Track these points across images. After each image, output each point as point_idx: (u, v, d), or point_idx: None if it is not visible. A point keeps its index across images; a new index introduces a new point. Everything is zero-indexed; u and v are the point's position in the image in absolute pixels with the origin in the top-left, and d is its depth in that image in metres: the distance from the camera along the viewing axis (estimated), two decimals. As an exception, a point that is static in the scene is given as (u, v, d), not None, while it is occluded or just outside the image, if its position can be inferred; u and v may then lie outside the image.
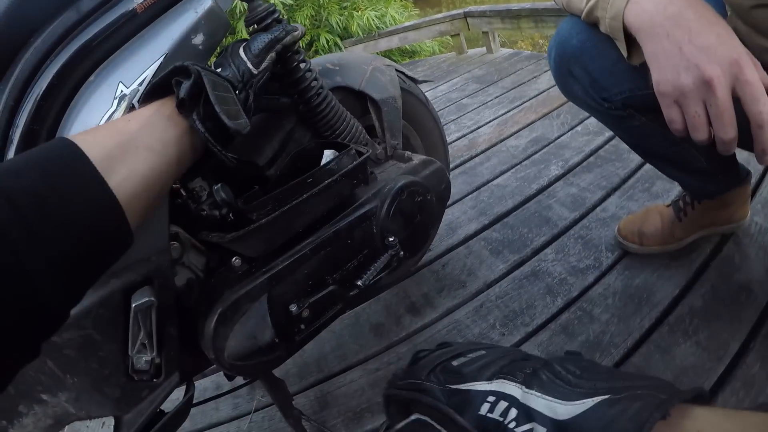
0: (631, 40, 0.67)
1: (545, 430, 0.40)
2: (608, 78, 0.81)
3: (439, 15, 3.92)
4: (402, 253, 0.87)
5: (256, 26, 0.80)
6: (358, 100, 1.01)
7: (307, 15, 4.54)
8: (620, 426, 0.36)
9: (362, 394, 1.10)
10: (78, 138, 0.47)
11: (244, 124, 0.62)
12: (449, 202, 1.66)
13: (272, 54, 0.74)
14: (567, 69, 0.87)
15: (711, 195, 1.10)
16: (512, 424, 0.41)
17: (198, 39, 0.69)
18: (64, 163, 0.45)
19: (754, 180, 1.32)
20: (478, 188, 1.77)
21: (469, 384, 0.48)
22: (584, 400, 0.40)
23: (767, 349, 0.93)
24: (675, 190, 1.41)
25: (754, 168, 1.25)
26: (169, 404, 0.74)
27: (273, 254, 0.78)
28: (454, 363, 0.53)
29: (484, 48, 3.71)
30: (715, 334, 0.99)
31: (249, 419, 1.14)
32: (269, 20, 0.79)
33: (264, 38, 0.74)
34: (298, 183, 0.75)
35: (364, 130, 0.95)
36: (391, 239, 0.85)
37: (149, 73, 0.65)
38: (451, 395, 0.47)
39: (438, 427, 0.46)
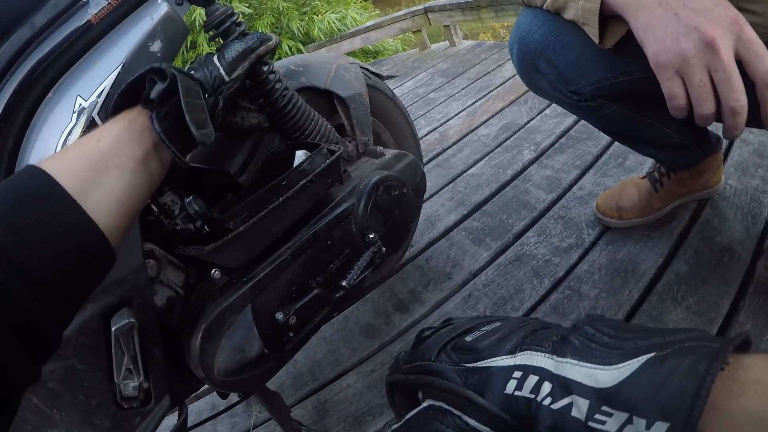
0: (602, 23, 0.65)
1: (587, 402, 0.34)
2: (575, 70, 0.80)
3: (400, 12, 3.92)
4: (384, 249, 0.85)
5: (215, 30, 0.78)
6: (324, 99, 0.99)
7: (267, 23, 4.54)
8: (677, 385, 0.30)
9: (360, 398, 1.08)
10: (47, 164, 0.46)
11: (209, 134, 0.61)
12: (426, 197, 1.67)
13: (245, 63, 0.73)
14: (531, 64, 0.86)
15: (686, 166, 1.11)
16: (547, 401, 0.35)
17: (156, 46, 0.68)
18: (38, 193, 0.44)
19: (724, 145, 1.35)
20: (453, 179, 1.77)
21: (488, 360, 0.41)
22: (628, 362, 0.34)
23: (757, 305, 0.95)
24: (648, 162, 1.42)
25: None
26: (163, 430, 0.72)
27: (253, 262, 0.76)
28: (467, 338, 0.44)
29: (447, 42, 3.73)
30: (704, 297, 1.00)
31: (249, 436, 1.12)
32: (228, 23, 0.77)
33: (238, 46, 0.73)
34: (273, 186, 0.73)
35: (333, 129, 0.94)
36: (371, 236, 0.83)
37: (107, 83, 0.63)
38: (469, 375, 0.41)
39: (456, 412, 0.40)
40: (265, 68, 0.82)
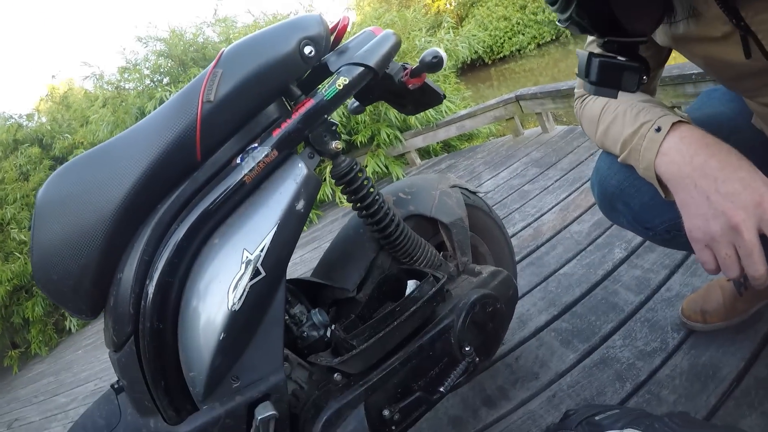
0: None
1: None
2: (649, 211, 0.87)
3: (492, 101, 4.04)
4: (477, 359, 0.98)
5: (342, 179, 0.97)
6: (429, 223, 1.15)
7: (366, 111, 4.82)
8: None
9: (450, 486, 1.17)
10: None
11: None
12: (520, 295, 1.74)
13: None
14: (611, 205, 0.95)
15: None
16: None
17: (300, 205, 0.86)
18: None
19: None
20: (545, 279, 1.83)
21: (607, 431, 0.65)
22: None
23: None
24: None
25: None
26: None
27: (368, 368, 0.91)
28: (596, 418, 0.68)
29: (539, 128, 3.77)
30: None
31: None
32: (352, 174, 0.96)
33: None
34: (389, 312, 0.91)
35: (437, 253, 1.10)
36: (467, 348, 0.97)
37: (267, 241, 0.81)
38: None
39: None
40: (382, 204, 1.00)
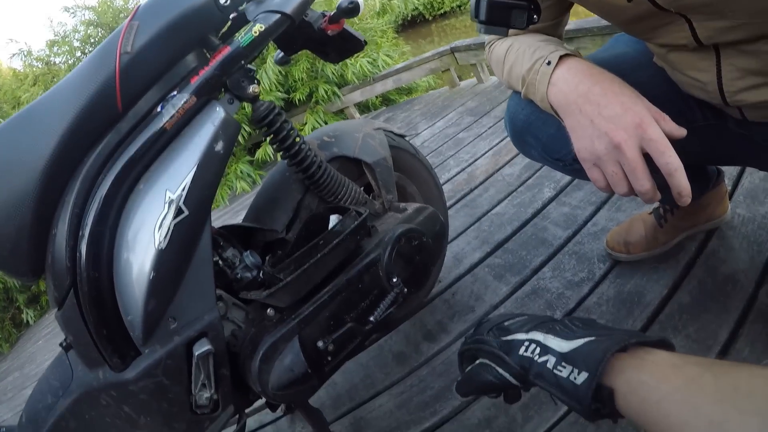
0: None
1: (554, 358, 0.61)
2: (556, 142, 0.92)
3: (428, 53, 4.07)
4: (406, 290, 1.03)
5: (261, 123, 0.98)
6: (354, 164, 1.18)
7: (303, 68, 4.75)
8: (595, 354, 0.57)
9: (391, 415, 1.24)
10: None
11: None
12: (454, 236, 1.82)
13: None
14: (521, 139, 1.00)
15: None
16: (536, 358, 0.63)
17: (219, 146, 0.87)
18: None
19: (735, 173, 1.42)
20: (479, 219, 1.90)
21: (513, 335, 0.69)
22: (578, 340, 0.61)
23: (755, 333, 1.00)
24: (657, 197, 1.51)
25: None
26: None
27: (299, 303, 0.95)
28: (506, 323, 0.73)
29: (475, 79, 3.83)
30: (704, 326, 1.06)
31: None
32: (271, 116, 0.97)
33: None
34: (313, 245, 0.93)
35: (362, 191, 1.13)
36: (395, 280, 1.01)
37: (188, 180, 0.82)
38: (503, 344, 0.69)
39: (494, 366, 0.68)
40: (303, 146, 1.02)
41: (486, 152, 2.49)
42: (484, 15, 0.75)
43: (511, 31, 0.84)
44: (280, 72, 4.67)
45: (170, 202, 0.80)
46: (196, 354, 0.83)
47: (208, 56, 0.92)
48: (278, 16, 0.91)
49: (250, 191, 4.76)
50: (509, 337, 0.70)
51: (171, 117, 0.84)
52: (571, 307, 1.29)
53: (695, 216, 1.24)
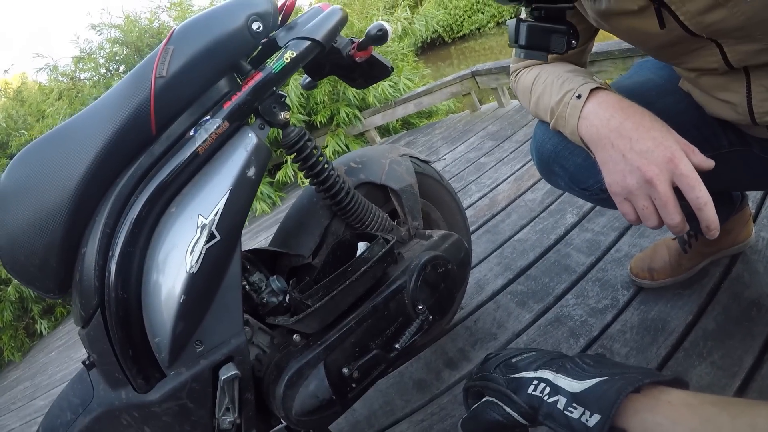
0: None
1: (565, 399, 0.60)
2: (583, 172, 0.92)
3: (449, 77, 4.10)
4: (431, 317, 1.02)
5: (291, 149, 1.00)
6: (380, 191, 1.19)
7: (325, 91, 4.80)
8: (608, 395, 0.56)
9: (411, 444, 1.22)
10: None
11: None
12: (476, 262, 1.81)
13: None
14: (548, 168, 1.00)
15: None
16: (546, 397, 0.62)
17: (251, 172, 0.89)
18: None
19: (758, 196, 1.41)
20: (501, 245, 1.89)
21: (522, 373, 0.69)
22: (590, 380, 0.60)
23: None
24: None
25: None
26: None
27: (325, 329, 0.95)
28: (513, 360, 0.72)
29: (496, 103, 3.85)
30: (729, 352, 1.04)
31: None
32: (302, 143, 0.99)
33: None
34: (341, 272, 0.94)
35: (388, 218, 1.14)
36: (420, 307, 1.01)
37: (220, 206, 0.84)
38: (510, 382, 0.69)
39: (501, 404, 0.67)
40: (331, 172, 1.03)
41: (508, 177, 2.49)
42: (524, 39, 0.75)
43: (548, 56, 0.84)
44: (302, 94, 4.72)
45: (203, 227, 0.82)
46: (223, 378, 0.83)
47: (240, 81, 0.94)
48: (309, 42, 0.92)
49: (270, 213, 4.79)
50: (517, 375, 0.69)
51: (204, 141, 0.86)
52: (594, 335, 1.28)
53: (719, 241, 1.23)
